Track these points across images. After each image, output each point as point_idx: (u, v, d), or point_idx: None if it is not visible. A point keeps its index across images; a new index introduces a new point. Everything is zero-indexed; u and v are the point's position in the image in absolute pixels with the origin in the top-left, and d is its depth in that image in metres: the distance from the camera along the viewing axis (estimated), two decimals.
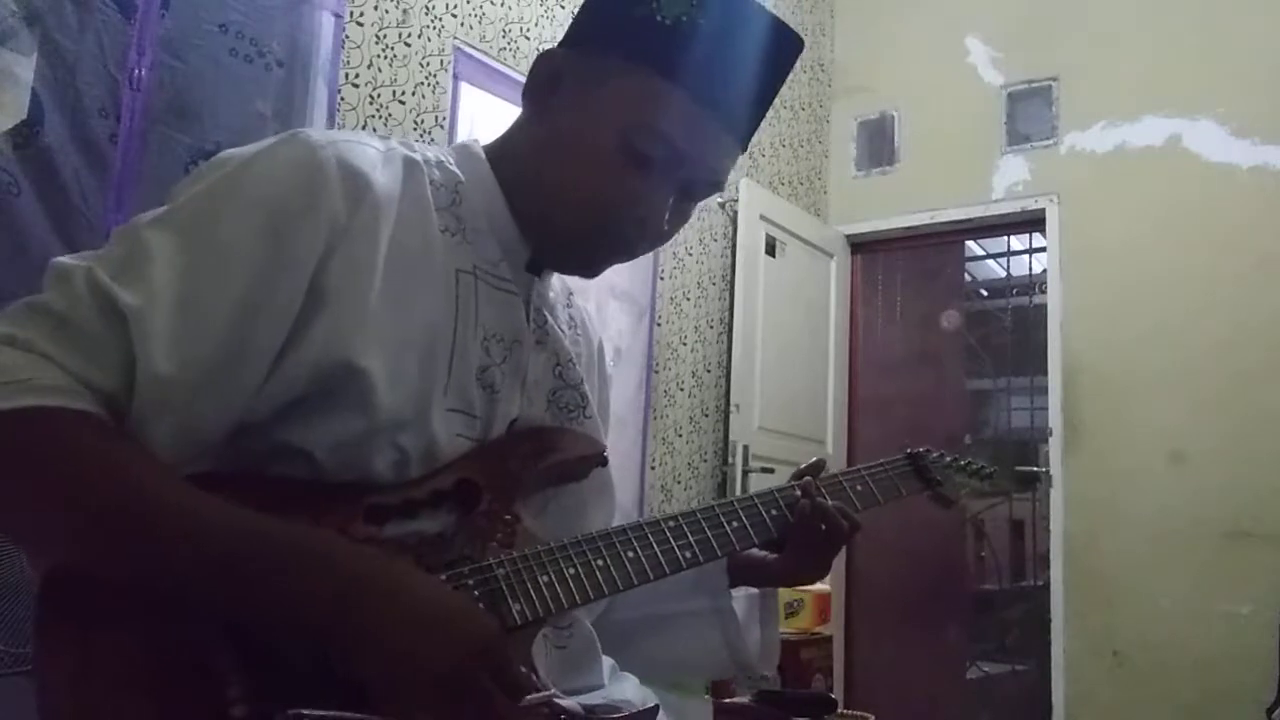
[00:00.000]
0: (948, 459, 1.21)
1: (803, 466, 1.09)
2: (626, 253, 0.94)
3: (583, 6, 0.93)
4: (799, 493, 1.03)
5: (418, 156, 0.89)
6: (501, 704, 0.71)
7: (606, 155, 0.87)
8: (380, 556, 0.74)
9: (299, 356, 0.76)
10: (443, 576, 0.78)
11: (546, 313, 0.96)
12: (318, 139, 0.81)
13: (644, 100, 0.86)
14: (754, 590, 1.08)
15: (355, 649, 0.69)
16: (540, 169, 0.90)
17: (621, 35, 0.87)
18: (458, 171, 0.92)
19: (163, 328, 0.71)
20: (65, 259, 0.75)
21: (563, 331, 0.99)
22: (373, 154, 0.84)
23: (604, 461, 0.97)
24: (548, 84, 0.90)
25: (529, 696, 0.74)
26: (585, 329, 1.07)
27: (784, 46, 0.94)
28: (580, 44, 0.90)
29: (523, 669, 0.76)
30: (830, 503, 1.03)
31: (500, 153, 0.94)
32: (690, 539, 0.92)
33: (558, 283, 1.03)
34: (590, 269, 0.95)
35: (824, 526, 1.02)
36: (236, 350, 0.74)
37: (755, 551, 1.04)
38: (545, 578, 0.82)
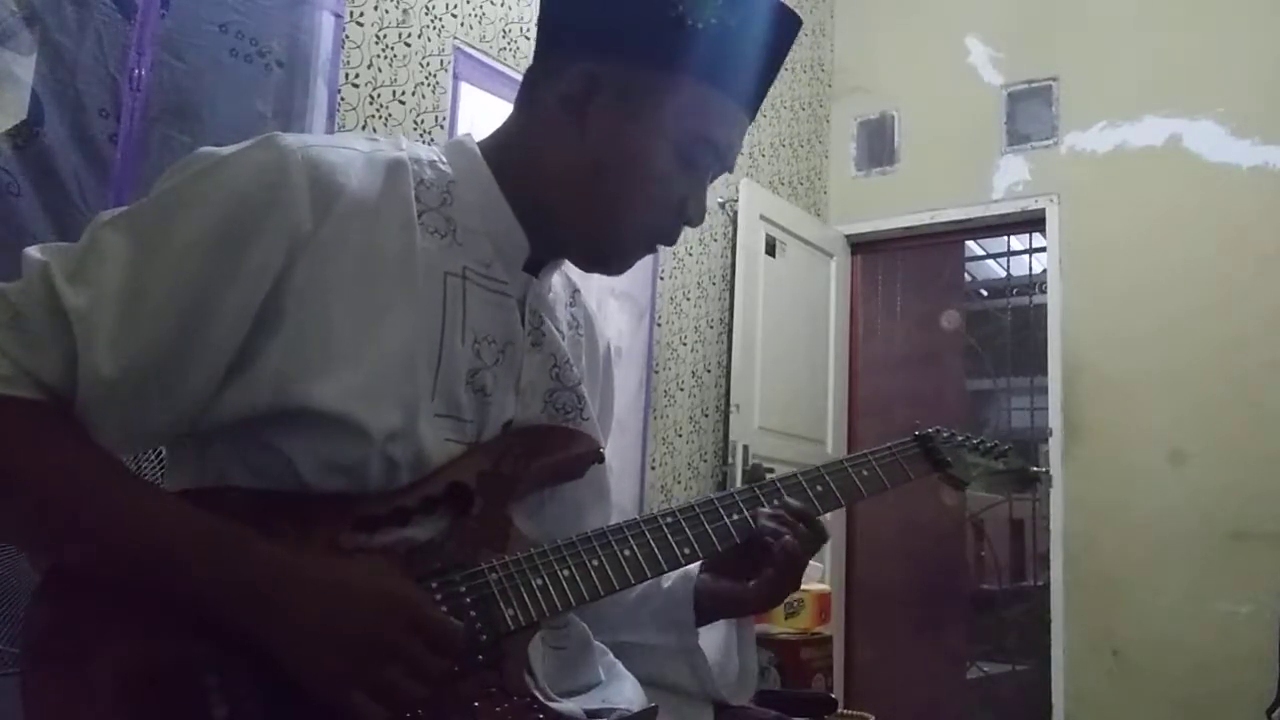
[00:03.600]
0: (959, 438, 1.16)
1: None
2: (664, 247, 0.95)
3: (596, 9, 0.90)
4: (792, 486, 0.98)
5: (405, 157, 0.87)
6: (429, 663, 0.72)
7: (660, 166, 0.89)
8: (294, 547, 0.75)
9: (255, 373, 0.76)
10: (434, 584, 0.78)
11: (543, 314, 0.95)
12: (291, 143, 0.80)
13: (693, 111, 0.88)
14: (731, 620, 1.03)
15: (276, 633, 0.70)
16: (579, 177, 0.89)
17: (656, 42, 0.87)
18: (449, 170, 0.90)
19: (106, 330, 0.72)
20: (33, 250, 0.76)
21: (561, 333, 0.97)
22: (350, 157, 0.82)
23: (600, 459, 0.95)
24: (583, 93, 0.88)
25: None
26: (591, 330, 1.06)
27: (788, 27, 0.96)
28: (607, 50, 0.88)
29: (453, 623, 0.75)
30: (800, 506, 0.96)
31: (503, 150, 0.93)
32: (689, 534, 0.90)
33: (559, 281, 1.02)
34: (622, 267, 0.96)
35: (781, 544, 0.93)
36: (179, 357, 0.75)
37: (715, 581, 0.99)
38: (539, 581, 0.81)
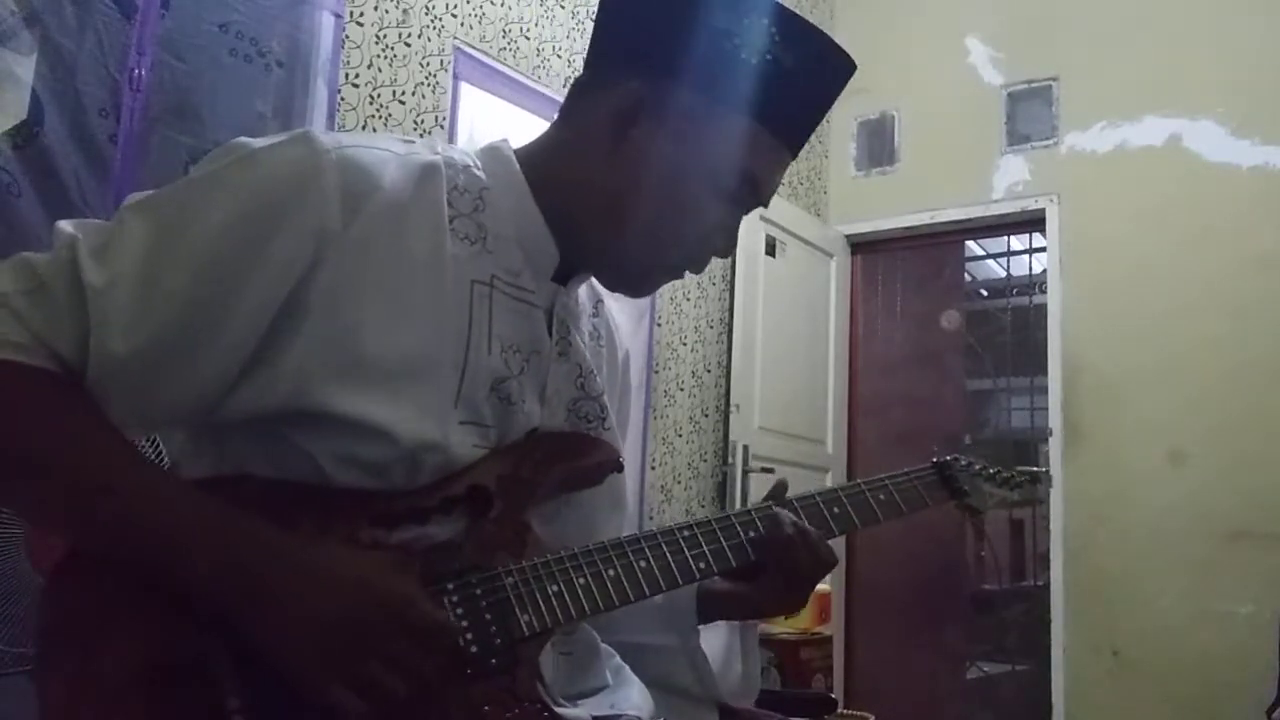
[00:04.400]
0: (976, 467, 1.16)
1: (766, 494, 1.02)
2: (690, 274, 0.95)
3: (653, 31, 0.89)
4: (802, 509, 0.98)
5: (439, 161, 0.86)
6: (414, 659, 0.71)
7: (695, 193, 0.89)
8: (308, 539, 0.74)
9: (277, 369, 0.76)
10: (449, 585, 0.78)
11: (570, 324, 0.95)
12: (325, 142, 0.79)
13: (736, 144, 0.88)
14: (734, 623, 1.03)
15: (262, 619, 0.70)
16: (612, 195, 0.89)
17: (705, 70, 0.86)
18: (483, 176, 0.89)
19: (120, 310, 0.73)
20: (65, 223, 0.77)
21: (585, 343, 0.97)
22: (384, 158, 0.82)
23: (619, 468, 0.95)
24: (629, 112, 0.88)
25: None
26: (611, 340, 1.06)
27: (843, 70, 0.94)
28: (659, 72, 0.87)
29: (446, 622, 0.75)
30: (815, 532, 0.96)
31: (540, 158, 0.92)
32: (705, 549, 0.90)
33: (584, 291, 1.01)
34: (647, 290, 0.96)
35: (807, 557, 0.94)
36: (192, 344, 0.75)
37: (720, 583, 0.98)
38: (554, 587, 0.81)
